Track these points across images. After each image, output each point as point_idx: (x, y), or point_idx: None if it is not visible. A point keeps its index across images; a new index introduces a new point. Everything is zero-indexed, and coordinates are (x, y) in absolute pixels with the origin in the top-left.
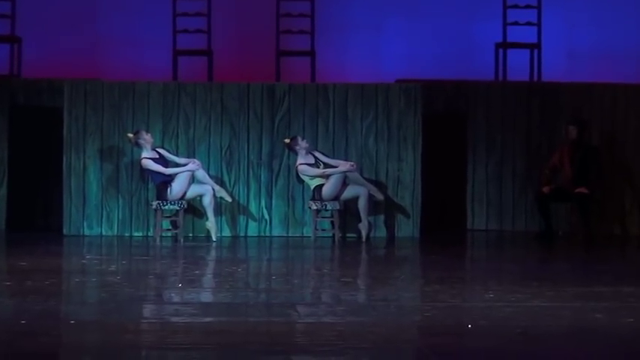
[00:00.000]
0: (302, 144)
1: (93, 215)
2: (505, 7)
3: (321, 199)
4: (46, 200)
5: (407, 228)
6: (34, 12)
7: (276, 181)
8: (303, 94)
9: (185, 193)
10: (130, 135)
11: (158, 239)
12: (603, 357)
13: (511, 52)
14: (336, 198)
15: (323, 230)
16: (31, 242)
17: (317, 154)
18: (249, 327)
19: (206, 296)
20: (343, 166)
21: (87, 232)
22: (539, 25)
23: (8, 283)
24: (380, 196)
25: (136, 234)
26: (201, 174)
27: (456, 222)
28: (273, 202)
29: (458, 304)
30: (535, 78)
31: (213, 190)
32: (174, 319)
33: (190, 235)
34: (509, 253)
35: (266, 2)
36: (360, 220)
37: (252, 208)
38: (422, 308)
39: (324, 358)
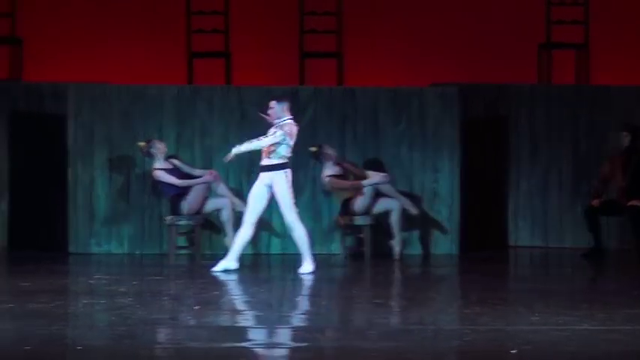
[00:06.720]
0: (330, 153)
1: (101, 232)
2: (549, 5)
3: (350, 214)
4: (50, 216)
5: (444, 245)
6: (36, 11)
7: (300, 193)
8: (330, 98)
9: (201, 207)
10: (142, 144)
11: (172, 258)
12: None
13: (556, 54)
14: (366, 212)
15: (352, 247)
16: (34, 261)
17: (345, 164)
18: (272, 353)
19: (225, 319)
20: (375, 177)
21: (95, 249)
22: (586, 23)
23: (10, 306)
24: (414, 210)
25: (148, 252)
26: (219, 186)
27: (497, 238)
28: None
29: (500, 328)
30: (582, 81)
31: (233, 204)
32: (191, 344)
33: (207, 252)
34: (555, 272)
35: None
36: (392, 237)
37: (275, 223)
38: (461, 332)
39: None
